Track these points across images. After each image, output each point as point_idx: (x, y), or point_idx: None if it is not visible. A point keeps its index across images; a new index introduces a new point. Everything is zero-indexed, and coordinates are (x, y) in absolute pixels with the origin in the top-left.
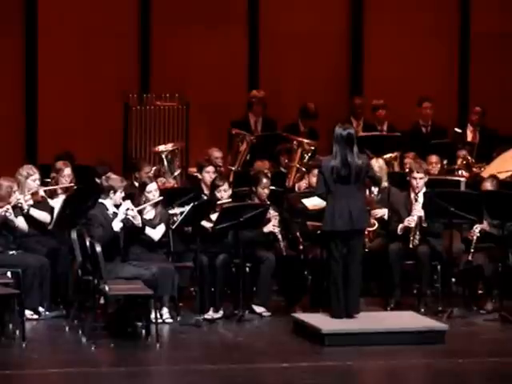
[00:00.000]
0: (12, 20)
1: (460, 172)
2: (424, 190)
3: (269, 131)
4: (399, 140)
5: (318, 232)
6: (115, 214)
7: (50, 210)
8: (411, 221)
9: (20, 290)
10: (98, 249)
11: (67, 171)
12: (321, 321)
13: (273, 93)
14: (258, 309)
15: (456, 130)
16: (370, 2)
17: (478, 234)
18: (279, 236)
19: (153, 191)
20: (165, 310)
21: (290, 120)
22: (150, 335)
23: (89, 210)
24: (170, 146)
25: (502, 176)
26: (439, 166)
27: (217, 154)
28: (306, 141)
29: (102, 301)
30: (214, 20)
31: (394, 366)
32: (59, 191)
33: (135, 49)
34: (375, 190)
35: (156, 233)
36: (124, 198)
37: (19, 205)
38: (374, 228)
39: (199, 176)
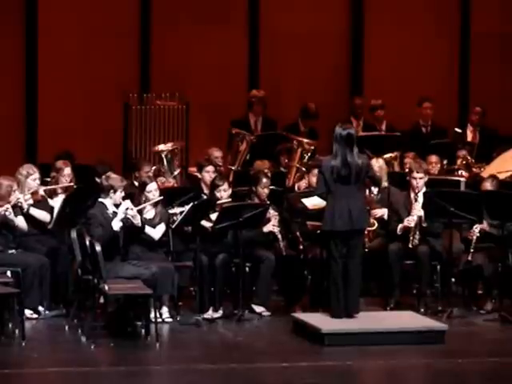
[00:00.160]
0: (12, 20)
1: (460, 172)
2: (424, 189)
3: (269, 131)
4: (399, 140)
5: (318, 232)
6: (115, 214)
7: (50, 209)
8: (411, 221)
9: (20, 289)
10: (98, 248)
11: (67, 171)
12: (320, 320)
13: (273, 92)
14: (258, 308)
15: (456, 130)
16: (370, 2)
17: (478, 234)
18: (279, 236)
19: (153, 191)
20: (164, 310)
21: (289, 120)
22: (150, 335)
23: (88, 210)
24: (169, 146)
25: (501, 176)
26: (439, 165)
27: (217, 153)
28: (305, 140)
29: (101, 300)
30: (214, 20)
31: (393, 366)
32: (59, 191)
33: (135, 48)
34: (375, 189)
35: (156, 232)
36: (124, 198)
37: (19, 204)
38: (374, 228)
39: (199, 175)
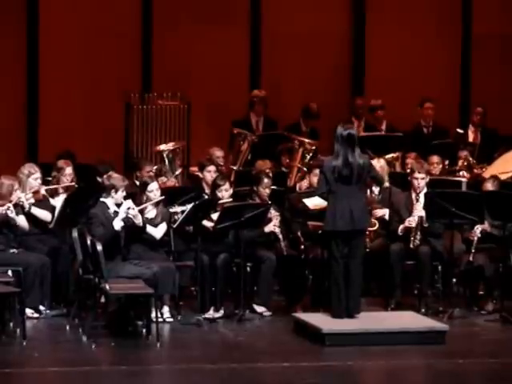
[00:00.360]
0: (14, 20)
1: (461, 173)
2: (425, 190)
3: (270, 131)
4: (401, 140)
5: (319, 232)
6: (116, 213)
7: (51, 208)
8: (412, 221)
9: (21, 288)
10: (99, 248)
11: (68, 170)
12: (321, 321)
13: (274, 92)
14: (259, 308)
15: (458, 130)
16: (371, 2)
17: (479, 235)
18: (280, 236)
19: (154, 190)
20: (165, 309)
21: (291, 120)
22: (151, 334)
23: (90, 209)
24: (171, 146)
25: (503, 177)
26: (440, 166)
27: (218, 153)
28: (307, 140)
29: (102, 300)
30: (215, 19)
31: (394, 366)
32: (60, 190)
33: (137, 48)
34: (376, 189)
35: (158, 231)
36: (125, 197)
37: (20, 203)
38: (375, 228)
39: (200, 175)
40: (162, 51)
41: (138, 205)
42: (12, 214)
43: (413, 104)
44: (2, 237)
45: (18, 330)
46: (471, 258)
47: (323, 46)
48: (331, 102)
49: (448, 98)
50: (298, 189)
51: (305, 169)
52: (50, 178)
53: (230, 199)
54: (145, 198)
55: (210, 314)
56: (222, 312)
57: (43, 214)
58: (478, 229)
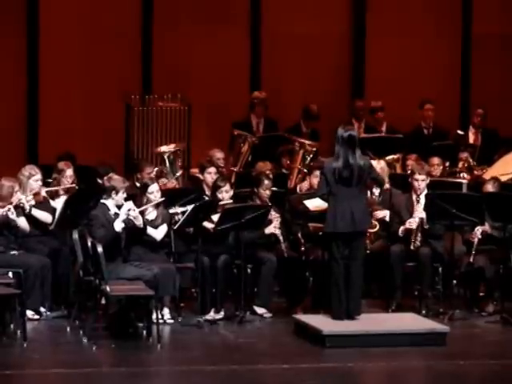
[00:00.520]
0: (14, 20)
1: (462, 174)
2: (426, 191)
3: (271, 132)
4: (401, 142)
5: (320, 233)
6: (117, 215)
7: (52, 210)
8: (412, 222)
9: (21, 290)
10: (100, 249)
11: (69, 172)
12: (322, 322)
13: (274, 94)
14: (259, 310)
15: (458, 131)
16: (371, 3)
17: (480, 236)
18: (280, 237)
19: (154, 192)
20: (165, 311)
21: (291, 121)
22: (151, 336)
23: (90, 211)
24: (171, 147)
25: (503, 178)
26: (441, 167)
27: (218, 154)
28: (307, 142)
29: (103, 301)
30: (215, 21)
31: (394, 368)
32: (61, 192)
33: (137, 50)
34: (376, 191)
35: (158, 233)
36: (126, 199)
37: (21, 205)
38: (375, 229)
39: (201, 177)
40: (162, 52)
41: (138, 206)
42: (12, 215)
43: (413, 105)
44: (3, 238)
45: (19, 332)
46: (472, 260)
47: (323, 47)
48: (331, 103)
49: (448, 99)
50: (298, 190)
51: (305, 170)
52: (50, 180)
53: (231, 201)
54: (145, 200)
55: (211, 315)
56: (222, 314)
57: (44, 216)
58: (478, 230)
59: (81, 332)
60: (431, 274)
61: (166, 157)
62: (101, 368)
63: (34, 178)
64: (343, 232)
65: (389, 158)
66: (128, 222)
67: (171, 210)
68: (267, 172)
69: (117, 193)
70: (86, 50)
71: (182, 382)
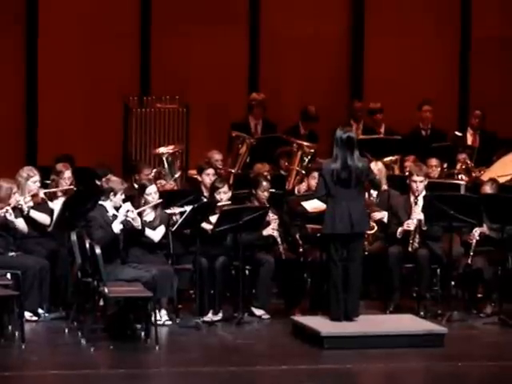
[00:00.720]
0: (13, 21)
1: (460, 176)
2: (424, 193)
3: (269, 134)
4: (399, 143)
5: (318, 235)
6: (115, 216)
7: (50, 211)
8: (411, 224)
9: (19, 291)
10: (98, 251)
11: (67, 174)
12: (320, 323)
13: (273, 95)
14: (258, 311)
15: (456, 133)
16: (370, 5)
17: (478, 238)
18: (279, 239)
19: (152, 193)
20: (163, 312)
21: (289, 122)
22: (150, 337)
23: (89, 212)
24: (170, 148)
25: (501, 180)
26: (439, 169)
27: (217, 156)
28: (305, 143)
29: (101, 303)
30: (214, 22)
31: (393, 369)
32: (59, 193)
33: (135, 51)
34: (374, 193)
35: (156, 234)
36: (124, 200)
37: (19, 206)
38: (374, 231)
39: (199, 178)
40: (161, 54)
41: (136, 208)
42: (11, 217)
43: (411, 107)
44: (1, 240)
45: (17, 333)
46: (470, 261)
47: (322, 49)
48: (330, 105)
49: (447, 100)
50: (296, 192)
51: (303, 172)
52: (48, 181)
53: (229, 202)
54: (143, 201)
55: (209, 317)
56: (220, 315)
57: (42, 217)
58: (476, 232)
59: (79, 333)
60: (429, 276)
61: (164, 158)
62: (99, 369)
63: (32, 180)
64: (341, 233)
65: (387, 159)
66: (126, 224)
67: (169, 211)
68: (265, 173)
69: (115, 194)
70: (84, 52)
71: (180, 383)
